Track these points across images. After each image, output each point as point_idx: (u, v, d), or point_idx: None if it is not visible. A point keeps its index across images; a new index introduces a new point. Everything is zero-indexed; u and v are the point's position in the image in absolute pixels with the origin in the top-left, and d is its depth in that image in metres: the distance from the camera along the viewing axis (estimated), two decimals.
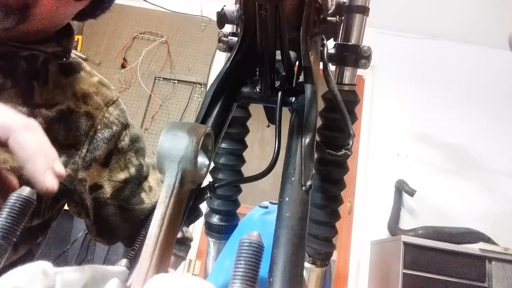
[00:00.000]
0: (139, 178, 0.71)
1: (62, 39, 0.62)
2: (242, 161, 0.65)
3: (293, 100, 0.42)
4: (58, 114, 0.60)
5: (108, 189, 0.67)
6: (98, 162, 0.65)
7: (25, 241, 0.61)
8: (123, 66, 2.95)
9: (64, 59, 0.63)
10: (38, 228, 0.63)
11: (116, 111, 0.68)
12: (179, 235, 0.80)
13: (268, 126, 0.59)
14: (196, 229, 2.44)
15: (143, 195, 0.71)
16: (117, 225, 0.69)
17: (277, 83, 0.42)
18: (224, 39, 0.59)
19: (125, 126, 0.70)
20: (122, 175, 0.68)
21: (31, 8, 0.52)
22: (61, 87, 0.62)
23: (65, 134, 0.61)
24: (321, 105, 0.55)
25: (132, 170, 0.70)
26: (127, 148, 0.69)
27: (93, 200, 0.66)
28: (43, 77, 0.60)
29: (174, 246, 0.78)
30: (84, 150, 0.63)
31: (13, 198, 0.22)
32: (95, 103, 0.65)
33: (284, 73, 0.42)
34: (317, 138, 0.52)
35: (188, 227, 0.84)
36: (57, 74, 0.62)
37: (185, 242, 0.81)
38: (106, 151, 0.65)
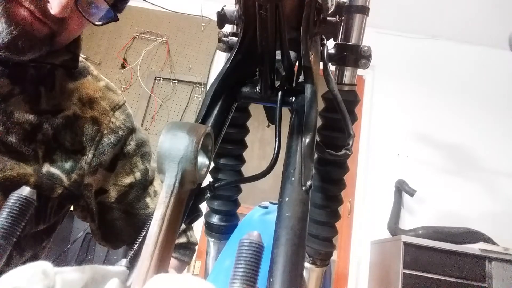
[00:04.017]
0: (144, 183, 0.71)
1: (70, 45, 0.61)
2: (242, 161, 0.65)
3: (293, 100, 0.42)
4: (64, 120, 0.60)
5: (113, 194, 0.66)
6: (104, 167, 0.64)
7: (31, 245, 0.61)
8: (123, 66, 2.95)
9: (73, 69, 0.63)
10: (44, 232, 0.63)
11: (123, 116, 0.68)
12: (184, 239, 0.79)
13: (268, 126, 0.59)
14: (196, 229, 2.43)
15: (148, 199, 0.71)
16: (122, 229, 0.69)
17: (277, 83, 0.42)
18: (224, 39, 0.59)
19: (131, 130, 0.69)
20: (127, 180, 0.68)
21: (58, 35, 0.54)
22: (67, 92, 0.62)
23: (71, 140, 0.61)
24: (321, 105, 0.55)
25: (138, 174, 0.69)
26: (133, 152, 0.69)
27: (98, 204, 0.66)
28: (50, 82, 0.60)
29: (179, 251, 0.78)
30: (90, 155, 0.62)
31: (13, 198, 0.22)
32: (101, 108, 0.65)
33: (284, 73, 0.42)
34: (317, 138, 0.52)
35: (188, 227, 0.83)
36: (64, 79, 0.62)
37: (189, 247, 0.81)
38: (112, 156, 0.65)
